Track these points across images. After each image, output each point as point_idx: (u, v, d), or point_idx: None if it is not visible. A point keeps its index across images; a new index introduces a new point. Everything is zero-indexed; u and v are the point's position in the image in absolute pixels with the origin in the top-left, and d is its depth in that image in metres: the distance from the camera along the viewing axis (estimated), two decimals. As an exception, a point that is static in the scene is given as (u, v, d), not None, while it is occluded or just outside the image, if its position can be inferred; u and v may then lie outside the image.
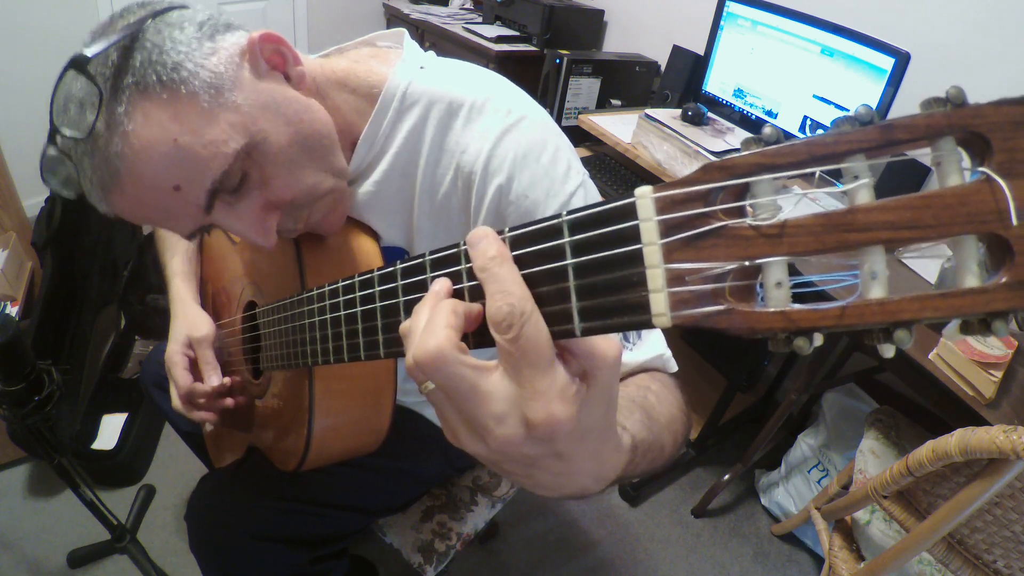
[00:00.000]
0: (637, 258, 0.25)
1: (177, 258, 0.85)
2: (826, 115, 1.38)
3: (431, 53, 0.66)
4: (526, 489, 0.33)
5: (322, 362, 0.49)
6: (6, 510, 1.33)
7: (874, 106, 1.25)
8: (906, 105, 1.26)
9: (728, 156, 0.23)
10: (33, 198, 1.58)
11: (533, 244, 0.29)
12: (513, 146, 0.58)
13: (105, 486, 1.39)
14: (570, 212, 0.27)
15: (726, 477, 1.51)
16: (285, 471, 0.70)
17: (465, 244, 0.31)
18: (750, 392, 1.84)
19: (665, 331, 0.26)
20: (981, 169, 0.20)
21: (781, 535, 1.53)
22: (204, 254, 0.89)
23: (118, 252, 1.57)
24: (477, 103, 0.60)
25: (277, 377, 0.72)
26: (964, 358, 0.93)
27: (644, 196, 0.24)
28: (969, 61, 1.30)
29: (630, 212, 0.25)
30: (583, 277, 0.27)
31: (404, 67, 0.63)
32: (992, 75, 1.27)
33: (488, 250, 0.29)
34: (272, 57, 0.55)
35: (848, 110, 1.32)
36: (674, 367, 0.58)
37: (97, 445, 1.40)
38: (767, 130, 0.22)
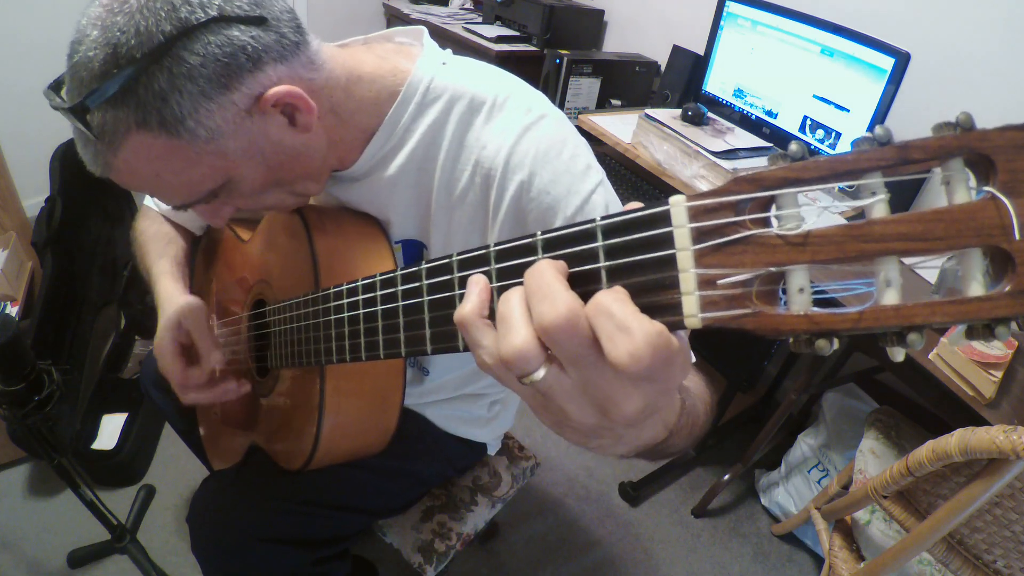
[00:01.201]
0: (670, 262, 0.26)
1: (164, 260, 0.82)
2: (826, 115, 1.39)
3: (449, 51, 0.67)
4: (597, 452, 0.33)
5: (337, 360, 0.50)
6: (6, 510, 1.33)
7: (874, 106, 1.26)
8: (906, 105, 1.26)
9: (756, 170, 0.24)
10: (33, 198, 1.57)
11: (567, 247, 0.29)
12: (534, 143, 0.59)
13: (105, 486, 1.38)
14: (604, 217, 0.28)
15: (726, 477, 1.51)
16: (289, 470, 0.71)
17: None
18: (750, 392, 1.85)
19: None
20: (986, 188, 0.21)
21: (781, 535, 1.53)
22: (210, 252, 0.89)
23: (118, 252, 1.57)
24: (498, 100, 0.61)
25: (284, 376, 0.72)
26: (964, 358, 0.93)
27: (678, 204, 0.25)
28: (969, 61, 1.31)
29: (664, 218, 0.26)
30: (616, 279, 0.27)
31: (426, 62, 0.63)
32: (992, 75, 1.28)
33: (605, 299, 0.26)
34: (284, 107, 0.54)
35: (848, 110, 1.33)
36: (692, 358, 0.57)
37: (97, 445, 1.39)
38: (793, 147, 0.24)
